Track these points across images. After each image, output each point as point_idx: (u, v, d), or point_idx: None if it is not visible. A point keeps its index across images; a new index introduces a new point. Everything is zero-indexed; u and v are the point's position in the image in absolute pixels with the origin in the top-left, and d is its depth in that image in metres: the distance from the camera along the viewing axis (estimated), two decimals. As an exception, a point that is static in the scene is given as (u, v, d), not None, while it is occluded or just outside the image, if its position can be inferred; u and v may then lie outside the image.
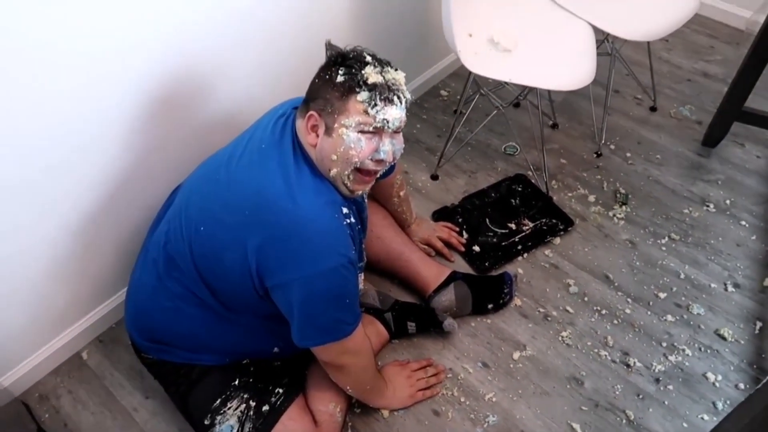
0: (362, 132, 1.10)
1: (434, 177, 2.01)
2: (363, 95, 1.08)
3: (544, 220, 1.85)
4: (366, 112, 1.08)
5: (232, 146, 1.24)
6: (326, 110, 1.10)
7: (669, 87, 2.33)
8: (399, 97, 1.10)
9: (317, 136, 1.13)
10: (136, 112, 1.36)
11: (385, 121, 1.09)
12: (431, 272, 1.64)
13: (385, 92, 1.08)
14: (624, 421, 1.45)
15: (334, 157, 1.11)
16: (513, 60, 1.70)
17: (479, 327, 1.63)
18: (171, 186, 1.46)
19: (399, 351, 1.59)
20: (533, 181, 1.97)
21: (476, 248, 1.78)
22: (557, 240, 1.82)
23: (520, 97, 1.92)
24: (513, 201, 1.91)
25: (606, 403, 1.48)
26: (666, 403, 1.48)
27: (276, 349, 1.35)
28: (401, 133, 1.18)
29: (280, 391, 1.32)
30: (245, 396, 1.29)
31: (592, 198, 1.94)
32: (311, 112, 1.12)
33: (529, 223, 1.85)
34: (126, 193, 1.45)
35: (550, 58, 1.71)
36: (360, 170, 1.14)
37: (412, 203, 1.75)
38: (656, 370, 1.53)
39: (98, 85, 1.25)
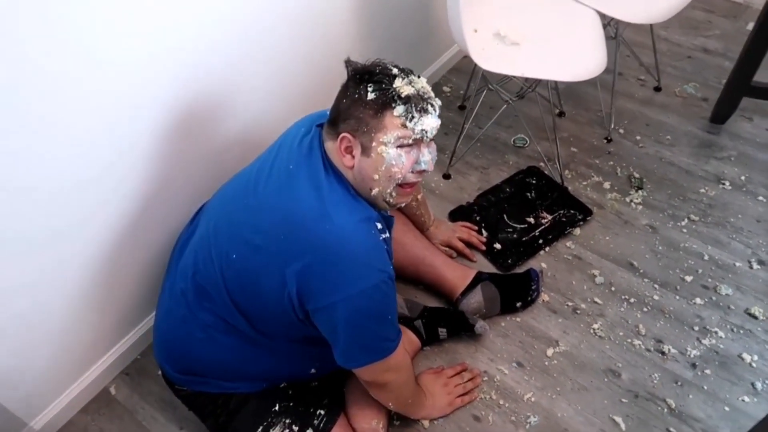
0: (401, 146, 1.08)
1: (446, 176, 1.98)
2: (399, 109, 1.06)
3: (562, 212, 1.83)
4: (404, 126, 1.06)
5: (256, 169, 1.21)
6: (360, 130, 1.07)
7: (670, 65, 2.32)
8: (432, 105, 1.09)
9: (353, 157, 1.10)
10: (153, 135, 1.32)
11: (423, 132, 1.08)
12: (456, 275, 1.62)
13: (420, 103, 1.06)
14: (665, 410, 1.44)
15: (376, 177, 1.09)
16: (522, 53, 1.67)
17: (509, 326, 1.61)
18: (192, 208, 1.43)
19: (431, 358, 1.57)
20: (546, 172, 1.95)
21: (497, 246, 1.76)
22: (577, 231, 1.80)
23: (529, 89, 1.89)
24: (528, 194, 1.89)
25: (645, 393, 1.47)
26: (705, 388, 1.47)
27: (313, 371, 1.32)
28: (433, 139, 1.16)
29: (322, 412, 1.30)
30: (287, 421, 1.26)
31: (607, 185, 1.92)
32: (344, 134, 1.09)
33: (548, 215, 1.83)
34: (146, 221, 1.42)
35: (560, 49, 1.69)
36: (401, 184, 1.12)
37: (428, 205, 1.73)
38: (691, 356, 1.53)
39: (113, 110, 1.21)
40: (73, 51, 1.09)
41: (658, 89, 2.23)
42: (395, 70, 1.10)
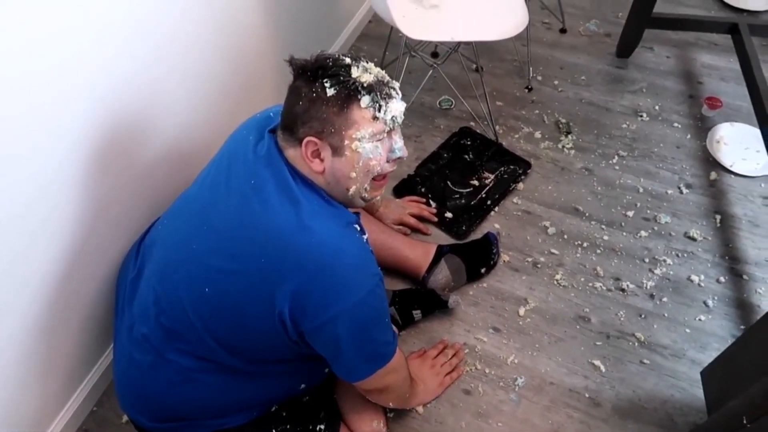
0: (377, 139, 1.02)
1: (381, 151, 1.92)
2: (365, 100, 0.97)
3: (502, 169, 1.84)
4: (375, 118, 0.99)
5: (207, 188, 1.08)
6: (327, 131, 0.98)
7: (570, 5, 2.36)
8: (394, 89, 1.02)
9: (322, 161, 1.01)
10: (76, 162, 1.16)
11: (393, 119, 1.02)
12: (417, 253, 1.58)
13: (383, 89, 0.99)
14: (636, 344, 1.52)
15: (353, 174, 1.02)
16: (445, 16, 1.62)
17: (478, 293, 1.62)
18: (132, 237, 1.27)
19: (409, 341, 1.54)
20: (478, 131, 1.95)
21: (448, 215, 1.74)
22: (521, 185, 1.82)
23: (453, 51, 1.85)
24: (467, 156, 1.88)
25: (615, 332, 1.54)
26: (666, 315, 1.56)
27: (303, 386, 1.25)
28: None
29: (322, 427, 1.23)
30: (288, 446, 1.19)
31: (537, 134, 1.95)
32: (308, 138, 0.99)
33: (490, 174, 1.83)
34: (79, 266, 1.25)
35: (480, 8, 1.65)
36: (375, 177, 1.06)
37: (373, 186, 1.67)
38: (648, 287, 1.61)
39: (25, 148, 1.03)
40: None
41: (563, 31, 2.27)
42: (348, 60, 1.01)
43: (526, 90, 2.07)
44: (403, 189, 1.81)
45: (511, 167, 1.84)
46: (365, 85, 0.98)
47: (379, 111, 0.99)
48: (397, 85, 1.04)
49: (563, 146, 1.91)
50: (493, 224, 1.74)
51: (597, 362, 1.48)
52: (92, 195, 1.22)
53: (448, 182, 1.82)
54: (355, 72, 0.99)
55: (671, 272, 1.64)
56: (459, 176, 1.83)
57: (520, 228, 1.74)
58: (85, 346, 1.37)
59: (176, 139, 1.42)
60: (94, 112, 1.16)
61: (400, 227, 1.70)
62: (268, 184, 1.01)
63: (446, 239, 1.71)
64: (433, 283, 1.55)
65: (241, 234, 1.01)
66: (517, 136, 1.95)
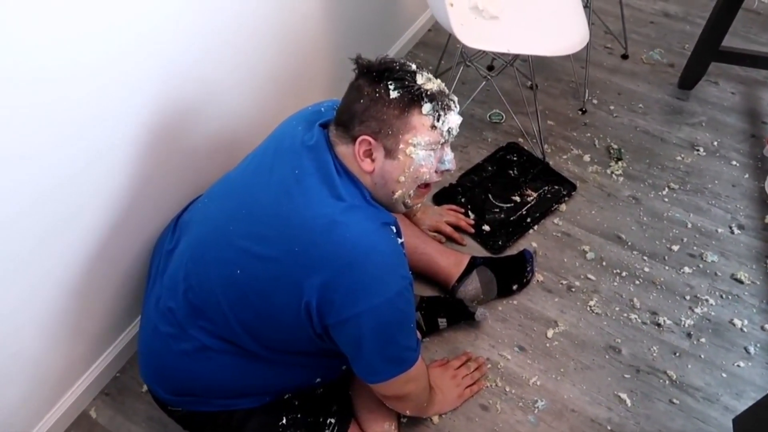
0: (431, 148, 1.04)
1: (425, 157, 1.91)
2: (427, 107, 1.00)
3: (546, 188, 1.80)
4: (433, 127, 1.02)
5: (251, 173, 1.10)
6: (384, 132, 1.00)
7: (634, 32, 2.31)
8: (453, 101, 1.05)
9: (373, 161, 1.03)
10: (124, 140, 1.20)
11: (450, 131, 1.05)
12: (450, 261, 1.57)
13: (444, 99, 1.02)
14: (667, 381, 1.45)
15: (402, 179, 1.03)
16: (503, 28, 1.61)
17: (507, 310, 1.58)
18: (170, 215, 1.30)
19: (431, 349, 1.52)
20: (526, 147, 1.92)
21: (486, 228, 1.72)
22: (563, 206, 1.78)
23: (509, 64, 1.83)
24: (511, 172, 1.85)
25: (646, 367, 1.48)
26: (702, 356, 1.49)
27: (318, 380, 1.25)
28: None
29: (332, 421, 1.23)
30: (297, 435, 1.19)
31: (587, 158, 1.90)
32: (363, 137, 1.01)
33: (533, 192, 1.80)
34: (117, 234, 1.29)
35: (541, 22, 1.63)
36: (420, 185, 1.07)
37: (413, 191, 1.66)
38: (686, 325, 1.54)
39: (80, 114, 1.08)
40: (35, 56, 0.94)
41: (625, 57, 2.22)
42: (414, 66, 1.04)
43: (580, 112, 2.03)
44: (443, 197, 1.80)
45: (556, 187, 1.81)
46: (429, 92, 1.00)
47: (438, 120, 1.02)
48: (456, 98, 1.07)
49: (612, 172, 1.87)
50: (530, 242, 1.71)
51: (623, 395, 1.43)
52: (139, 170, 1.26)
53: (490, 195, 1.79)
54: (420, 79, 1.01)
55: (713, 313, 1.57)
56: (501, 190, 1.80)
57: (557, 249, 1.70)
58: (116, 313, 1.41)
59: (222, 126, 1.45)
60: (152, 95, 1.21)
61: (436, 234, 1.68)
62: (312, 175, 1.02)
63: (481, 252, 1.69)
64: (463, 293, 1.53)
65: (278, 221, 1.03)
66: (565, 157, 1.91)
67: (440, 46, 2.11)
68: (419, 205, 1.62)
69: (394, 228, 1.07)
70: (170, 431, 1.38)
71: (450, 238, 1.70)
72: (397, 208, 1.10)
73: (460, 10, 1.66)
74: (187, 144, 1.37)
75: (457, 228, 1.71)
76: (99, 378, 1.44)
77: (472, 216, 1.75)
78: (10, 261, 1.08)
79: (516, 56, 1.79)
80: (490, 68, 2.13)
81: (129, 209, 1.28)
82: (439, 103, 1.01)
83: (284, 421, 1.20)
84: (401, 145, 1.01)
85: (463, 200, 1.78)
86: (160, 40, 1.17)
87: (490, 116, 2.03)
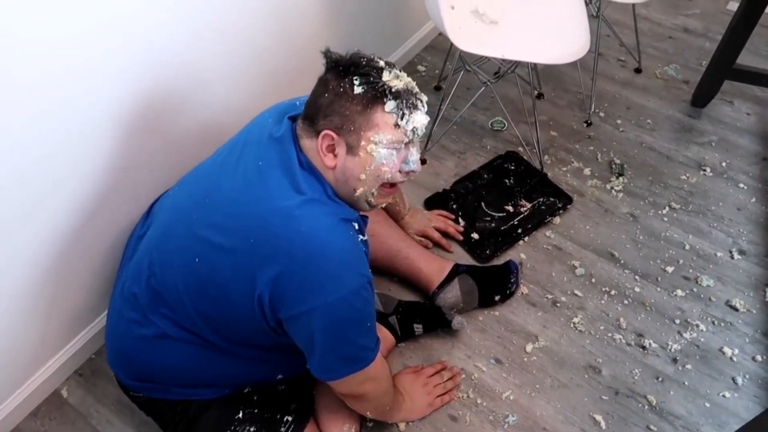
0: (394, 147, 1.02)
1: (422, 161, 1.87)
2: (390, 105, 0.98)
3: (541, 200, 1.76)
4: (396, 125, 1.00)
5: (219, 163, 1.10)
6: (346, 128, 0.99)
7: (651, 46, 2.25)
8: (421, 101, 1.03)
9: (335, 156, 1.01)
10: (107, 128, 1.21)
11: (414, 130, 1.02)
12: (433, 267, 1.54)
13: (410, 98, 1.00)
14: (646, 406, 1.40)
15: (363, 177, 1.01)
16: (502, 33, 1.58)
17: (487, 321, 1.55)
18: (150, 200, 1.31)
19: (406, 355, 1.50)
20: (525, 157, 1.88)
21: (475, 235, 1.69)
22: (557, 219, 1.74)
23: (508, 71, 1.80)
24: (507, 181, 1.82)
25: (626, 390, 1.43)
26: (686, 383, 1.43)
27: (280, 376, 1.24)
28: None
29: (289, 419, 1.21)
30: (252, 429, 1.18)
31: (587, 171, 1.86)
32: (326, 132, 1.00)
33: (527, 203, 1.76)
34: (97, 218, 1.30)
35: (541, 29, 1.60)
36: (384, 184, 1.05)
37: (403, 193, 1.64)
38: (672, 350, 1.48)
39: (60, 91, 1.09)
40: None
41: (638, 71, 2.16)
42: (382, 63, 1.02)
43: (585, 124, 1.99)
44: (434, 202, 1.77)
45: (551, 199, 1.76)
46: (393, 90, 0.98)
47: (402, 119, 0.99)
48: (425, 98, 1.04)
49: (612, 187, 1.81)
50: (519, 254, 1.67)
51: (598, 417, 1.38)
52: (118, 152, 1.27)
53: (482, 203, 1.76)
54: (386, 76, 1.00)
55: (702, 339, 1.50)
56: (494, 199, 1.77)
57: (546, 262, 1.65)
58: (92, 295, 1.42)
59: (210, 116, 1.45)
60: (135, 75, 1.21)
61: (423, 239, 1.66)
62: (274, 167, 1.02)
63: (468, 260, 1.65)
64: (442, 300, 1.50)
65: (237, 211, 1.02)
66: (564, 169, 1.87)
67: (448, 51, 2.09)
68: (400, 207, 1.61)
69: (356, 224, 1.05)
70: (137, 417, 1.38)
71: (437, 244, 1.67)
72: (360, 206, 1.08)
73: (460, 13, 1.63)
74: (170, 130, 1.37)
75: (445, 234, 1.69)
76: (73, 358, 1.46)
77: (462, 223, 1.72)
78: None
79: (516, 63, 1.75)
80: (497, 75, 2.10)
81: (106, 194, 1.29)
82: (405, 101, 0.99)
83: (240, 414, 1.19)
84: (363, 142, 0.99)
85: (454, 206, 1.75)
86: (146, 22, 1.18)
87: (491, 124, 2.00)
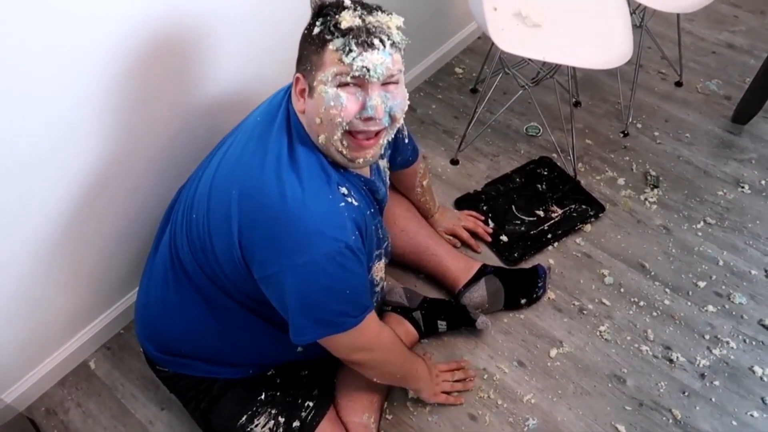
0: (341, 86, 0.93)
1: (454, 162, 1.89)
2: (336, 42, 0.91)
3: (573, 206, 1.75)
4: (341, 61, 0.90)
5: (234, 129, 1.13)
6: (307, 68, 0.96)
7: (693, 60, 2.22)
8: (381, 40, 0.90)
9: (304, 100, 0.99)
10: (132, 78, 1.20)
11: (365, 69, 0.90)
12: (460, 266, 1.54)
13: (362, 35, 0.89)
14: (671, 420, 1.37)
15: (318, 120, 0.96)
16: (544, 36, 1.57)
17: (512, 323, 1.54)
18: (177, 177, 1.33)
19: (429, 351, 1.49)
20: (559, 163, 1.87)
21: (504, 238, 1.68)
22: (588, 227, 1.72)
23: (548, 76, 1.79)
24: (539, 186, 1.81)
25: (650, 402, 1.40)
26: (713, 400, 1.40)
27: (299, 349, 1.22)
28: (401, 85, 0.98)
29: (311, 404, 1.22)
30: (273, 412, 1.19)
31: (621, 181, 1.84)
32: (296, 75, 0.99)
33: (558, 209, 1.74)
34: (138, 194, 1.33)
35: (584, 34, 1.59)
36: (351, 133, 0.97)
37: (434, 191, 1.65)
38: (700, 365, 1.46)
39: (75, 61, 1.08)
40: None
41: (679, 84, 2.13)
42: (348, 2, 0.94)
43: (622, 134, 1.97)
44: (464, 202, 1.77)
45: (583, 207, 1.75)
46: (341, 27, 0.90)
47: (347, 55, 0.90)
48: (394, 38, 0.93)
49: (646, 199, 1.79)
50: (547, 259, 1.66)
51: (621, 427, 1.36)
52: (143, 119, 1.29)
53: (513, 206, 1.75)
54: (344, 14, 0.92)
55: (732, 356, 1.47)
56: (525, 203, 1.76)
57: (575, 269, 1.64)
58: (125, 269, 1.45)
59: (221, 92, 1.41)
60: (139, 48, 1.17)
61: (451, 238, 1.66)
62: (265, 126, 1.04)
63: (495, 261, 1.65)
64: (468, 299, 1.50)
65: (227, 168, 1.05)
66: (598, 177, 1.85)
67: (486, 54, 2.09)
68: (435, 206, 1.59)
69: (342, 188, 1.02)
70: (161, 392, 1.41)
71: (465, 244, 1.67)
72: (335, 156, 1.01)
73: (503, 15, 1.63)
74: (208, 92, 1.37)
75: (474, 235, 1.68)
76: (103, 331, 1.49)
77: (491, 225, 1.71)
78: (18, 200, 1.13)
79: (556, 68, 1.75)
80: (536, 80, 2.09)
81: (138, 160, 1.32)
82: (355, 38, 0.89)
83: (263, 396, 1.20)
84: (315, 83, 0.94)
85: (485, 208, 1.75)
86: None
87: (527, 129, 1.99)
